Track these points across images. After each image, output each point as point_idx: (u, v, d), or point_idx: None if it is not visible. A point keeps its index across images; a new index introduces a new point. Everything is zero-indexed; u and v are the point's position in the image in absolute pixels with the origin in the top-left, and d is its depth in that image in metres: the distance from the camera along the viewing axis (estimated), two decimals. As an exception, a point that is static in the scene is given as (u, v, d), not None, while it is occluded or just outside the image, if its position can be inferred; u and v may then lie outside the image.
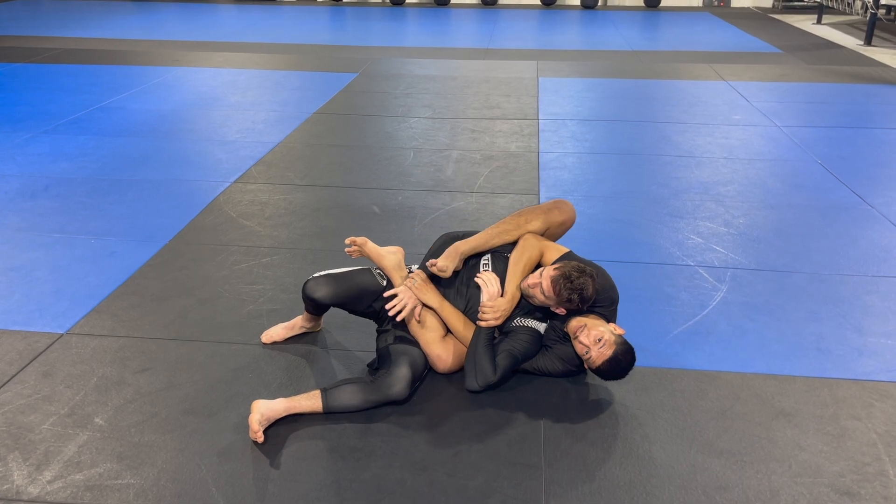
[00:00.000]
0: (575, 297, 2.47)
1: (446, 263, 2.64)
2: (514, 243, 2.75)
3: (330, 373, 2.73)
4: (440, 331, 2.63)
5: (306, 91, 6.87)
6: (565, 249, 2.70)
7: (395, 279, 2.71)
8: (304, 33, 10.39)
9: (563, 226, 2.81)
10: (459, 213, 4.15)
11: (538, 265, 2.69)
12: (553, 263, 2.60)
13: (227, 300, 3.21)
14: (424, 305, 2.65)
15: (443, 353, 2.59)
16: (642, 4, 13.86)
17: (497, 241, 2.73)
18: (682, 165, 4.93)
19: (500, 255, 2.74)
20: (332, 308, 2.78)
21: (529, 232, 2.73)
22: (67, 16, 11.73)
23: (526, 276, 2.62)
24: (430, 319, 2.63)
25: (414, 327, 2.62)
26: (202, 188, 4.49)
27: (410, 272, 2.74)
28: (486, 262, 2.73)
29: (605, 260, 3.10)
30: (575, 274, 2.48)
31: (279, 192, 4.43)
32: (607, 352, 2.45)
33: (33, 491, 2.16)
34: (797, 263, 3.58)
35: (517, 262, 2.65)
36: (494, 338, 2.61)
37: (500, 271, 2.68)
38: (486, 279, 2.63)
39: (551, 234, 2.80)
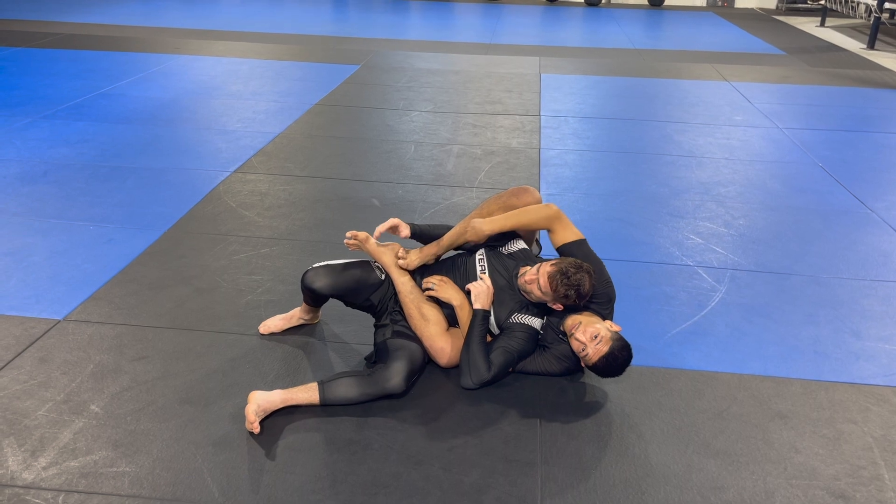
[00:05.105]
0: (572, 293, 2.47)
1: (410, 255, 2.73)
2: (504, 240, 2.76)
3: (327, 365, 2.72)
4: (443, 324, 2.63)
5: (308, 82, 6.85)
6: (581, 236, 2.67)
7: (394, 275, 2.71)
8: (306, 24, 10.36)
9: None
10: (459, 207, 4.14)
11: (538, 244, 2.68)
12: (552, 260, 2.59)
13: (225, 290, 3.20)
14: (437, 301, 2.66)
15: (446, 346, 2.59)
16: (646, 3, 13.84)
17: (463, 240, 2.72)
18: (682, 165, 4.93)
19: (496, 251, 2.74)
20: (330, 300, 2.77)
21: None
22: (69, 0, 11.67)
23: (522, 271, 2.61)
24: (433, 313, 2.62)
25: (417, 322, 2.61)
26: (202, 177, 4.47)
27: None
28: (482, 257, 2.72)
29: (603, 258, 3.09)
30: (572, 270, 2.47)
31: (279, 183, 4.42)
32: (603, 348, 2.44)
33: (28, 477, 2.15)
34: (796, 266, 3.58)
35: (517, 213, 2.66)
36: (489, 330, 2.61)
37: (496, 266, 2.68)
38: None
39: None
